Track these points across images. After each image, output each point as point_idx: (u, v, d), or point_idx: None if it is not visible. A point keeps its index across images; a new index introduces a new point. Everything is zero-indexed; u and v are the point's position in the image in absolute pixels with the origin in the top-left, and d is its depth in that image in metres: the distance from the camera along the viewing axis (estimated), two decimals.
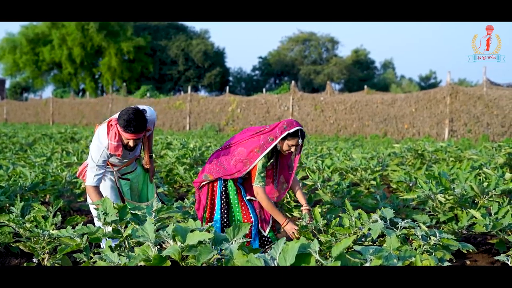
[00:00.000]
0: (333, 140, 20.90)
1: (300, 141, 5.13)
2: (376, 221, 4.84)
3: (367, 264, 3.19)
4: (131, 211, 4.45)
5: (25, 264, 5.01)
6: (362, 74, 69.67)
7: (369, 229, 4.69)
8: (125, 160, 5.36)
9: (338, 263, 3.03)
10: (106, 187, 5.34)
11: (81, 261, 4.24)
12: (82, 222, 4.77)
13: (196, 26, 77.73)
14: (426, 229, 4.63)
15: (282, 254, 3.13)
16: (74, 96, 45.96)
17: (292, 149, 5.21)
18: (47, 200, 8.16)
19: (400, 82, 77.20)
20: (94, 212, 5.23)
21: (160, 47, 62.42)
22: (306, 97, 26.53)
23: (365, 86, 31.75)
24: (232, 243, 3.56)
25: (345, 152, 11.76)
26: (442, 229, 5.97)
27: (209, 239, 3.56)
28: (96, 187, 5.09)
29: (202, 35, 67.03)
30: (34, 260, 5.01)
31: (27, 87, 69.32)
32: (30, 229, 4.90)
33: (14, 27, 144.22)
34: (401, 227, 4.67)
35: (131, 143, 5.01)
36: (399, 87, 68.37)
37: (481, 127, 20.18)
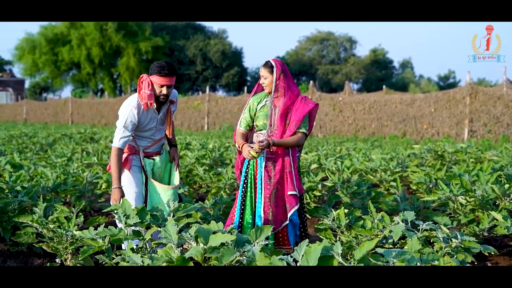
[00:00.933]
0: (351, 141, 20.83)
1: (262, 69, 5.16)
2: (398, 223, 4.85)
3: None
4: (151, 213, 4.49)
5: (48, 264, 5.05)
6: (380, 73, 69.40)
7: (390, 231, 4.69)
8: (152, 136, 5.35)
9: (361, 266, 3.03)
10: (130, 173, 5.31)
11: (103, 262, 4.27)
12: (104, 223, 4.81)
13: (214, 26, 78.06)
14: (447, 231, 4.61)
15: (305, 256, 3.14)
16: (92, 96, 46.22)
17: (264, 81, 5.14)
18: (68, 200, 8.22)
19: (419, 81, 76.82)
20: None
21: (178, 47, 62.59)
22: (325, 97, 26.47)
23: (384, 86, 31.57)
24: (254, 245, 3.57)
25: (364, 153, 11.73)
26: (463, 231, 5.96)
27: (231, 241, 3.58)
28: (120, 150, 5.12)
29: (220, 35, 67.12)
30: (57, 260, 5.06)
31: (46, 87, 69.84)
32: (53, 229, 4.95)
33: (33, 28, 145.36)
34: (422, 229, 4.67)
35: (164, 91, 5.06)
36: (417, 87, 67.98)
37: (501, 128, 20.00)
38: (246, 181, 5.29)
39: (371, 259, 3.24)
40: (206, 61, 63.25)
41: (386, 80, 66.76)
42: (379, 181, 8.75)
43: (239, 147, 5.26)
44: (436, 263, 3.32)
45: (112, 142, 5.32)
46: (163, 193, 5.29)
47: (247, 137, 5.38)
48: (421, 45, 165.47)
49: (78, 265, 4.77)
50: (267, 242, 3.90)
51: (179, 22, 64.46)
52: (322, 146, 15.29)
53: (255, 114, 5.26)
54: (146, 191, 5.32)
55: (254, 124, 5.29)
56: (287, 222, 5.19)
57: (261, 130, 5.22)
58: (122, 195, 5.14)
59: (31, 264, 5.53)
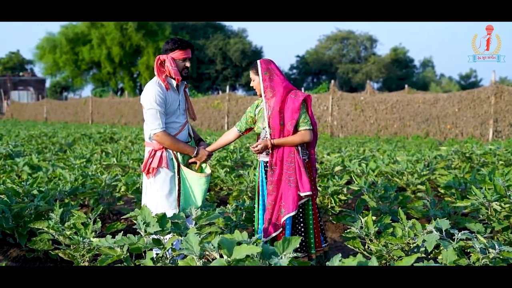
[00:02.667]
0: (374, 141, 20.56)
1: (250, 72, 4.99)
2: (431, 232, 4.59)
3: None
4: (171, 220, 4.28)
5: None
6: (401, 72, 69.03)
7: (424, 241, 4.44)
8: (178, 120, 5.11)
9: None
10: (166, 174, 5.07)
11: None
12: (122, 230, 4.63)
13: (234, 25, 78.00)
14: (485, 241, 4.35)
15: None
16: (113, 95, 46.28)
17: (253, 83, 5.00)
18: (86, 203, 8.05)
19: (440, 80, 76.42)
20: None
21: (198, 46, 62.56)
22: (346, 97, 26.18)
23: (406, 86, 31.21)
24: (281, 257, 3.36)
25: (388, 154, 11.47)
26: (497, 238, 5.69)
27: (257, 253, 3.36)
28: (165, 131, 4.92)
29: (240, 34, 67.04)
30: None
31: (66, 87, 70.18)
32: (70, 236, 4.81)
33: (54, 27, 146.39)
34: (457, 238, 4.41)
35: (187, 64, 4.99)
36: (438, 86, 67.61)
37: None
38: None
39: None
40: (226, 60, 63.18)
41: (406, 79, 66.38)
42: (405, 184, 8.49)
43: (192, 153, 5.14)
44: None
45: (152, 131, 4.96)
46: (195, 182, 5.08)
47: (232, 139, 5.30)
48: (442, 43, 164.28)
49: None
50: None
51: (199, 21, 64.49)
52: (346, 147, 15.02)
53: (254, 119, 5.12)
54: (179, 180, 5.07)
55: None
56: (280, 229, 4.86)
57: (259, 134, 5.07)
58: (202, 153, 5.13)
59: None
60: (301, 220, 4.95)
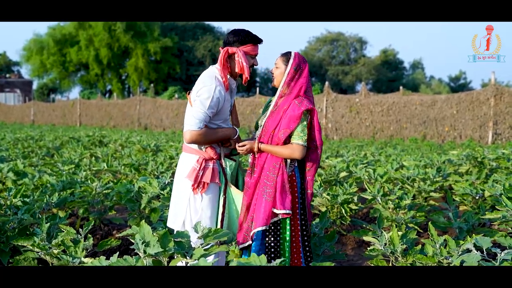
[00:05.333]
0: (371, 144, 20.12)
1: (278, 58, 4.38)
2: (469, 250, 4.05)
3: None
4: (175, 239, 3.71)
5: None
6: (390, 74, 68.99)
7: (462, 261, 3.90)
8: (228, 125, 4.42)
9: None
10: (214, 191, 4.36)
11: None
12: (116, 247, 4.08)
13: (223, 26, 77.44)
14: None
15: None
16: (101, 97, 45.69)
17: (275, 71, 4.36)
18: (75, 212, 7.49)
19: (430, 82, 76.46)
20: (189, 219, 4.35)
21: (187, 48, 62.15)
22: (341, 99, 25.76)
23: (401, 87, 30.81)
24: None
25: (394, 158, 10.97)
26: None
27: None
28: (202, 129, 4.15)
29: None
30: None
31: (54, 88, 69.55)
32: (58, 255, 4.25)
33: (41, 28, 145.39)
34: (500, 259, 3.88)
35: (256, 62, 4.34)
36: (428, 88, 67.58)
37: None
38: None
39: None
40: (215, 61, 62.63)
41: (396, 81, 66.32)
42: (417, 191, 7.96)
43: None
44: None
45: (189, 129, 4.20)
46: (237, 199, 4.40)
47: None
48: (431, 45, 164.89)
49: None
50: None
51: (188, 22, 64.10)
52: (348, 151, 14.50)
53: None
54: (224, 200, 4.37)
55: None
56: (250, 241, 4.23)
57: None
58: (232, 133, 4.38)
59: None
60: (274, 236, 4.28)
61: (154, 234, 3.67)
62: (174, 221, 4.38)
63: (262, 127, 4.32)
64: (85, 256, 4.31)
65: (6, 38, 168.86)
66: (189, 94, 4.31)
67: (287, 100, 4.22)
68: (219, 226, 4.31)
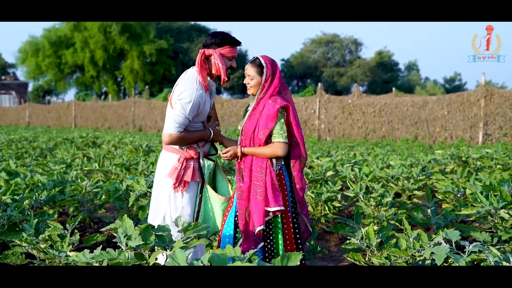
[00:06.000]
0: (362, 144, 20.27)
1: (248, 67, 4.38)
2: (439, 243, 4.22)
3: None
4: (156, 233, 3.86)
5: None
6: (386, 76, 69.11)
7: (432, 253, 4.07)
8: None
9: None
10: (192, 190, 4.50)
11: None
12: (102, 243, 4.23)
13: (219, 28, 77.64)
14: (498, 253, 3.98)
15: None
16: (96, 99, 45.75)
17: (250, 81, 4.39)
18: (66, 211, 7.63)
19: (425, 84, 76.64)
20: (169, 214, 4.48)
21: (182, 50, 62.21)
22: (333, 100, 25.91)
23: (393, 89, 30.99)
24: None
25: (381, 158, 11.13)
26: (504, 249, 5.34)
27: None
28: (181, 133, 4.28)
29: None
30: None
31: (49, 90, 69.55)
32: (45, 250, 4.39)
33: (37, 30, 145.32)
34: (468, 251, 4.04)
35: (234, 64, 4.42)
36: (423, 89, 67.76)
37: None
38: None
39: None
40: None
41: (391, 82, 66.46)
42: (401, 190, 8.13)
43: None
44: None
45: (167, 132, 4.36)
46: (216, 204, 4.53)
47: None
48: (426, 47, 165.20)
49: None
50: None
51: (183, 24, 64.16)
52: (336, 151, 14.67)
53: None
54: (200, 199, 4.50)
55: None
56: (262, 243, 4.32)
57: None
58: (215, 131, 4.52)
59: None
60: (267, 236, 4.40)
61: (136, 228, 3.82)
62: (155, 218, 4.51)
63: (241, 132, 4.43)
64: (71, 251, 4.45)
65: (1, 40, 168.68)
66: (170, 95, 4.46)
67: (262, 102, 4.32)
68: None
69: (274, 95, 4.34)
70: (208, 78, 4.45)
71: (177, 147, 4.43)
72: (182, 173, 4.38)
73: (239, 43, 4.45)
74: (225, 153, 4.42)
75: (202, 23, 67.76)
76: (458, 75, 79.01)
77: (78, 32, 56.71)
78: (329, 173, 8.74)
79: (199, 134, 4.42)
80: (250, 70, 4.36)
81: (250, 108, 4.44)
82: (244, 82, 4.45)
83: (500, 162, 9.51)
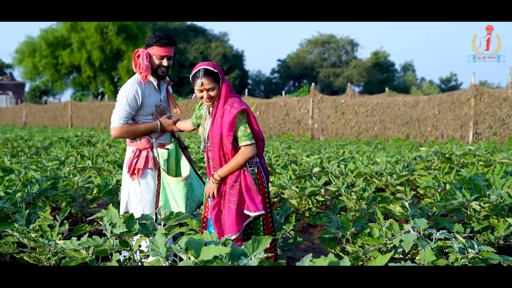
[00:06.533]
0: (354, 143, 20.50)
1: (199, 81, 4.24)
2: (408, 232, 4.46)
3: None
4: (139, 221, 4.11)
5: None
6: (382, 76, 69.34)
7: (401, 241, 4.31)
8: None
9: None
10: (149, 177, 4.87)
11: None
12: (90, 232, 4.46)
13: (215, 29, 77.99)
14: (463, 240, 4.23)
15: None
16: (93, 100, 45.94)
17: (204, 94, 4.29)
18: (59, 206, 7.85)
19: (421, 84, 76.82)
20: (128, 193, 4.92)
21: (179, 50, 62.34)
22: (327, 100, 26.14)
23: (386, 88, 31.24)
24: (251, 258, 3.22)
25: (368, 155, 11.37)
26: (477, 239, 5.58)
27: (225, 253, 3.21)
28: (123, 125, 4.72)
29: (221, 38, 66.96)
30: None
31: (46, 91, 69.69)
32: (35, 239, 4.60)
33: (33, 31, 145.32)
34: (435, 238, 4.29)
35: (164, 62, 4.75)
36: (419, 90, 67.97)
37: (506, 130, 19.70)
38: None
39: None
40: None
41: (387, 83, 66.65)
42: (384, 185, 8.37)
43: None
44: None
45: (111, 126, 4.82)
46: (174, 186, 4.85)
47: (189, 129, 4.87)
48: (422, 47, 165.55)
49: None
50: None
51: (180, 25, 64.31)
52: (325, 149, 14.91)
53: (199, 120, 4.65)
54: (159, 186, 4.88)
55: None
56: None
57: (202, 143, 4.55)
58: (165, 122, 4.85)
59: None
60: (247, 235, 4.51)
61: (121, 216, 4.07)
62: (121, 208, 4.96)
63: (207, 140, 4.42)
64: (60, 240, 4.67)
65: None
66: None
67: (220, 107, 4.31)
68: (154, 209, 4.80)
69: (229, 97, 4.34)
70: (150, 76, 4.80)
71: (132, 140, 4.86)
72: (135, 161, 4.79)
73: (168, 43, 4.75)
74: (208, 194, 4.46)
75: (199, 24, 68.03)
76: (454, 75, 79.29)
77: (75, 33, 56.83)
78: (316, 169, 8.97)
79: (145, 126, 4.79)
80: (209, 83, 4.28)
81: (207, 115, 4.43)
82: (204, 97, 4.32)
83: (482, 159, 9.76)
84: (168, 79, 5.02)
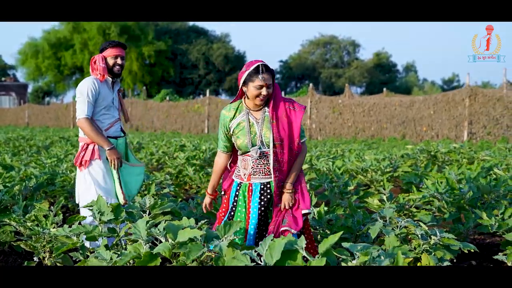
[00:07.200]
0: (349, 143, 20.78)
1: (262, 76, 4.06)
2: (376, 220, 4.81)
3: (354, 261, 3.14)
4: (126, 210, 4.46)
5: (25, 263, 4.99)
6: (383, 77, 69.27)
7: (369, 229, 4.65)
8: (110, 112, 5.47)
9: (324, 260, 2.98)
10: (100, 163, 5.40)
11: (77, 260, 4.23)
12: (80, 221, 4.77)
13: (217, 29, 78.16)
14: (426, 228, 4.56)
15: (269, 250, 3.11)
16: None
17: (263, 91, 4.10)
18: (57, 200, 8.16)
19: (423, 85, 76.71)
20: (82, 198, 5.43)
21: (181, 51, 62.56)
22: (324, 100, 26.44)
23: (384, 89, 31.51)
24: (222, 240, 3.53)
25: (357, 153, 11.68)
26: (448, 230, 5.91)
27: (200, 236, 3.53)
28: (90, 119, 5.25)
29: (222, 38, 67.09)
30: (35, 258, 5.01)
31: (49, 92, 69.88)
32: (31, 227, 4.90)
33: (36, 32, 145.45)
34: (401, 226, 4.63)
35: (119, 61, 5.37)
36: (421, 90, 67.93)
37: (500, 129, 19.98)
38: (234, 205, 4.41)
39: (335, 253, 3.18)
40: (209, 65, 63.16)
41: (389, 83, 66.65)
42: (369, 181, 8.69)
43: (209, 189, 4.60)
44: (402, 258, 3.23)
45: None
46: (129, 171, 5.51)
47: (226, 163, 4.52)
48: (425, 48, 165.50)
49: (57, 263, 4.71)
50: None
51: (182, 26, 64.45)
52: (316, 147, 15.23)
53: (231, 134, 4.31)
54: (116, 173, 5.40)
55: (235, 145, 4.34)
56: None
57: (246, 152, 4.26)
58: (114, 152, 5.30)
59: (12, 264, 5.47)
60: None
61: (108, 205, 4.42)
62: (76, 197, 5.58)
63: (266, 144, 4.20)
64: (54, 228, 5.00)
65: (1, 42, 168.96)
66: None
67: (279, 106, 4.21)
68: (120, 194, 5.35)
69: (281, 96, 4.27)
70: (107, 77, 5.42)
71: (82, 135, 5.40)
72: (83, 154, 5.34)
73: (118, 44, 5.42)
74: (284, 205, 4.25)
75: (200, 25, 68.18)
76: (456, 76, 79.16)
77: (77, 34, 57.02)
78: (305, 166, 9.31)
79: (102, 138, 5.28)
80: (269, 79, 4.13)
81: (254, 119, 4.24)
82: (262, 94, 4.12)
83: (466, 156, 10.09)
84: (120, 87, 5.66)
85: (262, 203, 4.29)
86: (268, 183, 4.29)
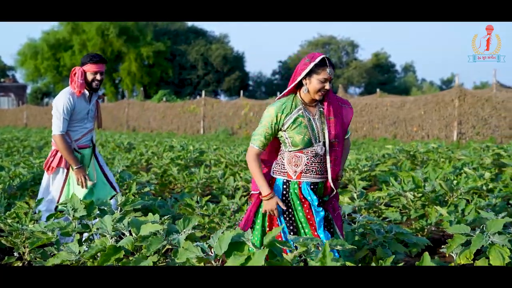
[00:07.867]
0: None
1: (329, 70, 3.88)
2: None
3: (292, 254, 3.38)
4: (99, 207, 4.73)
5: (5, 258, 5.24)
6: (382, 77, 69.26)
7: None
8: (84, 124, 5.74)
9: (266, 251, 3.22)
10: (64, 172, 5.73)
11: (51, 254, 4.48)
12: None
13: (216, 30, 78.34)
14: (383, 223, 4.84)
15: (218, 242, 3.36)
16: None
17: (327, 85, 3.92)
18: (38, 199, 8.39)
19: (421, 85, 76.69)
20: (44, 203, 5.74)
21: (179, 52, 62.62)
22: None
23: (378, 90, 31.68)
24: (181, 234, 3.79)
25: None
26: (412, 224, 6.17)
27: (162, 230, 3.79)
28: (64, 135, 5.52)
29: (221, 39, 67.17)
30: (15, 254, 5.25)
31: (48, 92, 69.99)
32: (11, 224, 5.14)
33: (35, 33, 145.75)
34: (358, 222, 4.90)
35: (98, 77, 5.59)
36: (419, 91, 67.98)
37: (489, 130, 20.21)
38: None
39: (277, 244, 3.43)
40: (207, 65, 63.24)
41: (388, 84, 66.68)
42: (348, 180, 8.94)
43: (261, 191, 4.12)
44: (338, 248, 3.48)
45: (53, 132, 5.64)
46: (77, 186, 5.70)
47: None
48: (424, 48, 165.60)
49: (37, 258, 4.93)
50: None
51: (181, 27, 64.52)
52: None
53: (279, 129, 4.05)
54: (65, 179, 5.72)
55: (287, 141, 4.06)
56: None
57: (303, 148, 4.03)
58: (81, 171, 5.58)
59: None
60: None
61: (81, 202, 4.68)
62: (46, 198, 5.81)
63: (333, 139, 4.04)
64: (33, 225, 5.24)
65: (0, 43, 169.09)
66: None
67: (335, 103, 4.09)
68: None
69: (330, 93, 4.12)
70: (85, 90, 5.66)
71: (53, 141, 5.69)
72: (51, 160, 5.69)
73: (100, 61, 5.59)
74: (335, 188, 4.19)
75: (199, 26, 68.27)
76: (454, 76, 79.10)
77: (76, 35, 57.02)
78: None
79: (72, 156, 5.57)
80: (330, 72, 3.95)
81: (312, 114, 4.07)
82: (325, 88, 3.94)
83: (444, 156, 10.36)
84: (100, 93, 5.94)
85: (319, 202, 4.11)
86: (317, 183, 4.11)
